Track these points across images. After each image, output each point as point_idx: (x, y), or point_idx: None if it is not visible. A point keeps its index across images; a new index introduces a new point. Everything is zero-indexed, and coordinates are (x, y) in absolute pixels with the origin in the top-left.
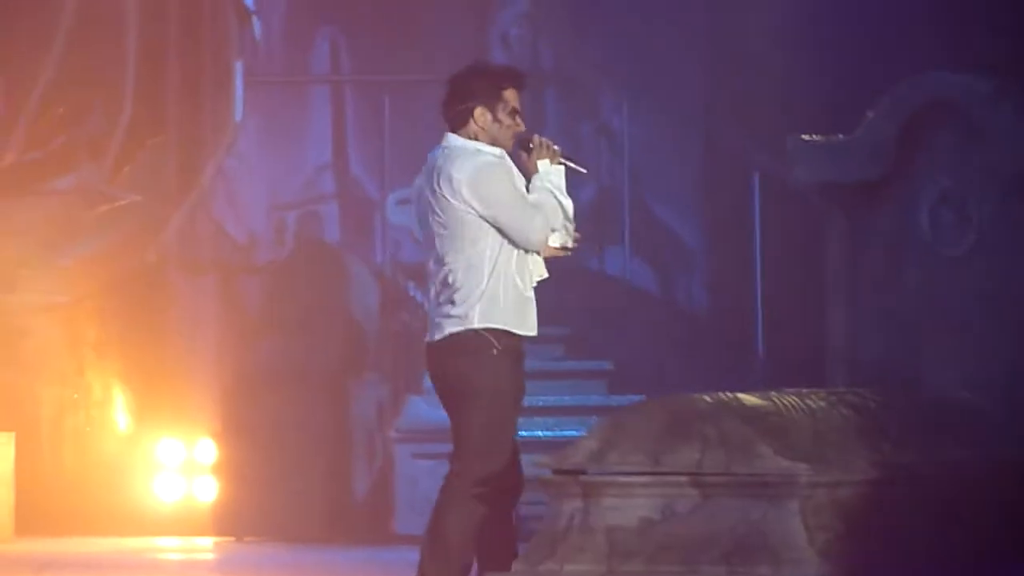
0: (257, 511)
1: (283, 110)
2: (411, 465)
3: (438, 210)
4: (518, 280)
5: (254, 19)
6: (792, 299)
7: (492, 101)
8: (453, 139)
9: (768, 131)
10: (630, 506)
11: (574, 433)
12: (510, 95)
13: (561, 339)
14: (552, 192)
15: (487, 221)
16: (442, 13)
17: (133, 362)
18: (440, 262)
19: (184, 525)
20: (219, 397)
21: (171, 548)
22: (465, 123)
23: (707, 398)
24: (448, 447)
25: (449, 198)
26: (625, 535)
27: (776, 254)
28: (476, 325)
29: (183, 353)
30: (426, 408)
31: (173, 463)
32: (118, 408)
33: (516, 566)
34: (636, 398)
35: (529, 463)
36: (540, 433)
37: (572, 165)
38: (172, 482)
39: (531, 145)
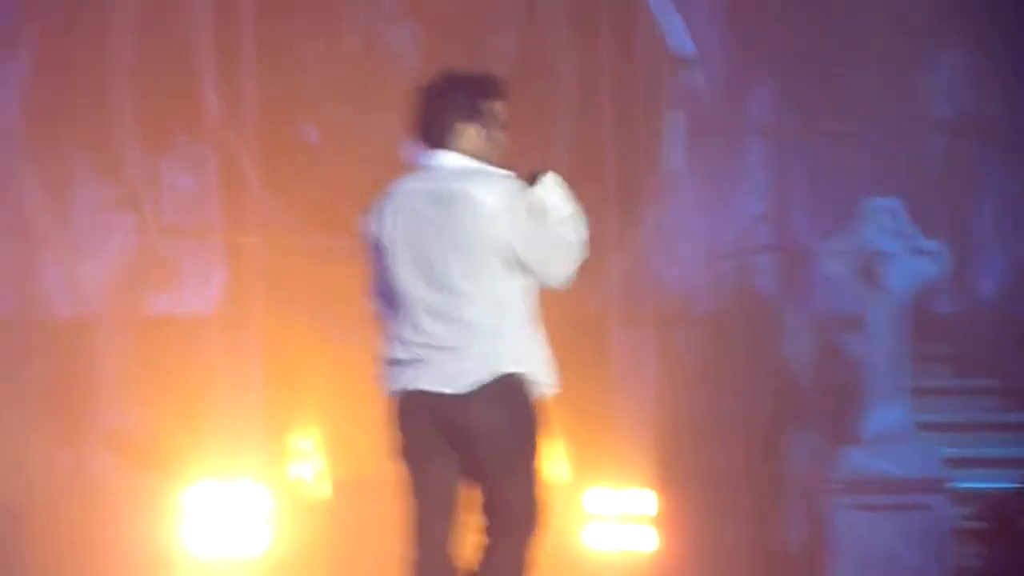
0: (692, 562)
1: (719, 159)
2: (849, 517)
3: (460, 237)
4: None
5: (692, 68)
6: None
7: (486, 118)
8: (452, 157)
9: None
10: None
11: None
12: (500, 108)
13: None
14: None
15: (519, 255)
16: (879, 67)
17: (569, 410)
18: (457, 295)
19: None
20: (655, 447)
21: None
22: (456, 141)
23: None
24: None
25: (482, 225)
26: None
27: None
28: (514, 369)
29: (621, 402)
30: (863, 459)
31: (606, 512)
32: (552, 456)
33: None
34: None
35: None
36: None
37: None
38: (604, 531)
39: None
